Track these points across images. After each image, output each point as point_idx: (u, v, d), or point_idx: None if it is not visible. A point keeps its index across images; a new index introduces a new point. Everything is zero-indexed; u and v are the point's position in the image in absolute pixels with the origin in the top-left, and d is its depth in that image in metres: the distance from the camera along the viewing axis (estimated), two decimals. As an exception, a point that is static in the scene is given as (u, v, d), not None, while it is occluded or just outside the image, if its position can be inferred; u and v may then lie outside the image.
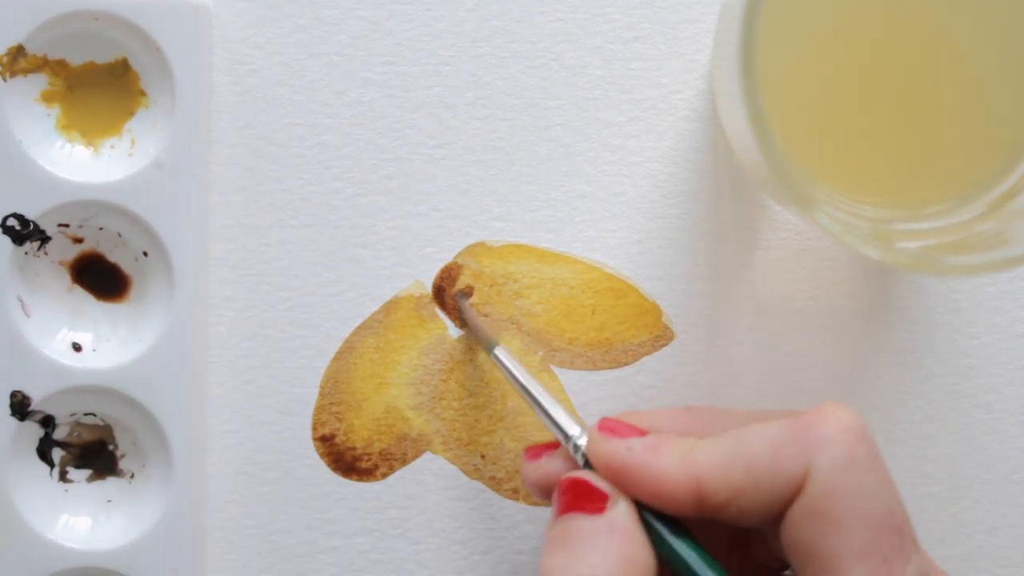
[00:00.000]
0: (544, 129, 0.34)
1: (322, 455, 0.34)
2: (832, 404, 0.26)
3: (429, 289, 0.34)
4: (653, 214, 0.34)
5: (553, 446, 0.30)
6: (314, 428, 0.34)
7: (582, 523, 0.26)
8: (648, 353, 0.35)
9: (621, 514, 0.26)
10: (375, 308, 0.34)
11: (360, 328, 0.34)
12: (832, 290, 0.35)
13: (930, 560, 0.27)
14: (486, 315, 0.34)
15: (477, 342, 0.33)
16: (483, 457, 0.35)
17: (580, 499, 0.27)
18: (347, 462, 0.34)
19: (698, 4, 0.34)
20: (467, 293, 0.33)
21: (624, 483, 0.27)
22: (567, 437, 0.29)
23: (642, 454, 0.27)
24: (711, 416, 0.29)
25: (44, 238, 0.33)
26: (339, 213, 0.34)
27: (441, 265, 0.34)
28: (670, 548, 0.26)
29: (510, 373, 0.31)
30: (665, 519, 0.27)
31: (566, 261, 0.35)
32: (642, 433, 0.28)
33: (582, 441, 0.29)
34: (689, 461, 0.26)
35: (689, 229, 0.34)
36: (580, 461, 0.29)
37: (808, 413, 0.26)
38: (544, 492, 0.30)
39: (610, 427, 0.28)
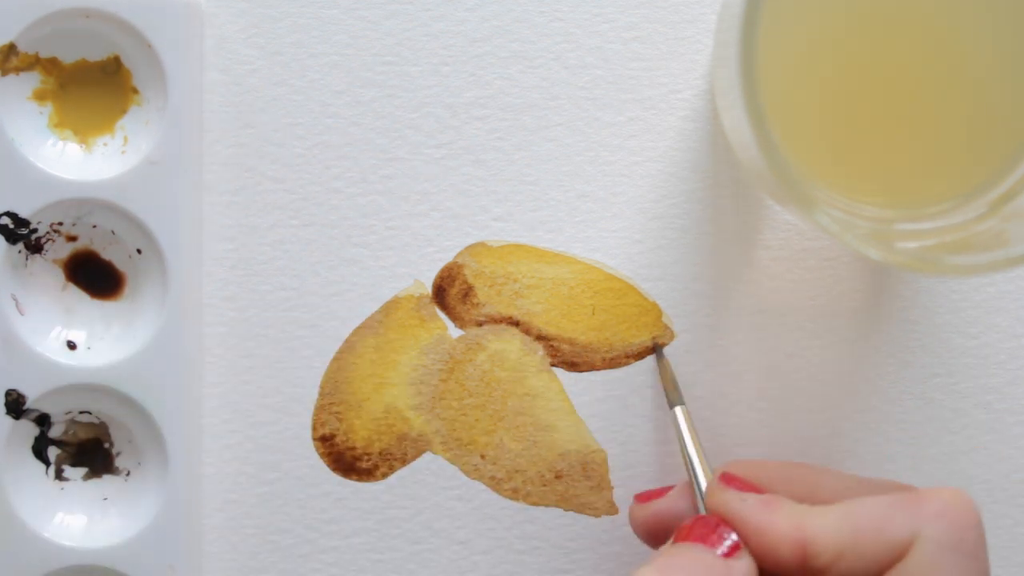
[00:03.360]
0: (544, 129, 0.34)
1: (322, 455, 0.34)
2: (953, 488, 0.27)
3: (429, 289, 0.34)
4: (653, 214, 0.35)
5: (661, 492, 0.31)
6: (314, 428, 0.34)
7: (705, 556, 0.27)
8: (648, 353, 0.35)
9: (743, 566, 0.27)
10: (375, 308, 0.34)
11: (360, 328, 0.34)
12: (832, 290, 0.35)
13: None
14: (487, 315, 0.34)
15: (666, 395, 0.34)
16: (483, 457, 0.34)
17: (710, 534, 0.28)
18: (347, 462, 0.34)
19: (698, 4, 0.34)
20: (661, 344, 0.34)
21: (736, 530, 0.28)
22: (700, 488, 0.30)
23: (755, 507, 0.28)
24: (821, 476, 0.30)
25: (38, 236, 0.33)
26: (339, 213, 0.34)
27: (441, 265, 0.34)
28: None
29: (680, 435, 0.32)
30: None
31: (566, 261, 0.35)
32: (759, 491, 0.28)
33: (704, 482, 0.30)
34: (800, 521, 0.27)
35: (689, 229, 0.35)
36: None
37: (926, 488, 0.27)
38: (650, 534, 0.31)
39: (729, 479, 0.29)
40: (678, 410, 0.32)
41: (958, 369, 0.35)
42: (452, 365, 0.34)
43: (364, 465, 0.34)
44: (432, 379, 0.34)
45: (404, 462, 0.34)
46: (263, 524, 0.34)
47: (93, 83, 0.33)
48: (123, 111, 0.33)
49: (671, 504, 0.31)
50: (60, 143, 0.33)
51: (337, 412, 0.34)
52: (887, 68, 0.30)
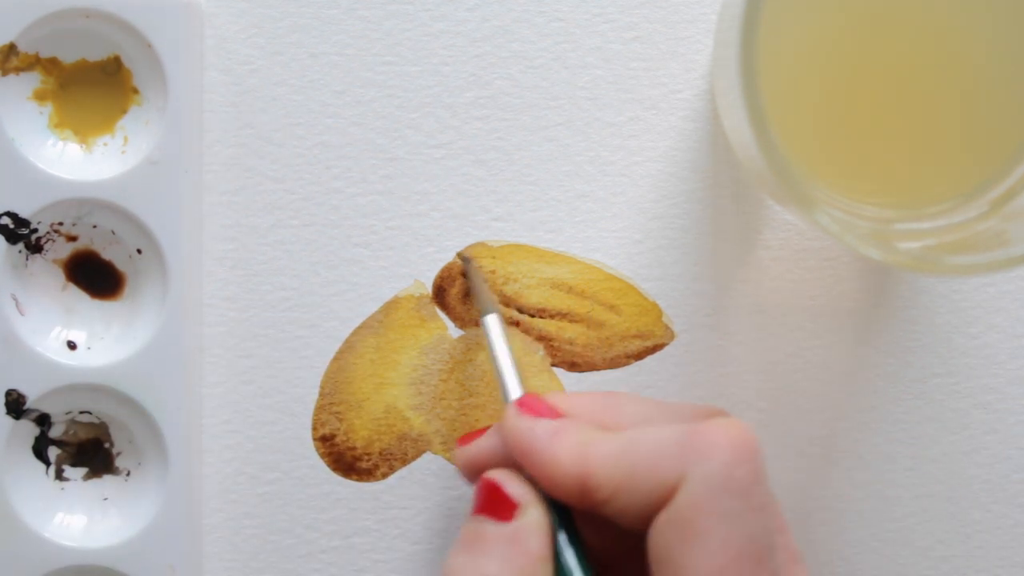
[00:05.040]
0: (544, 129, 0.34)
1: (322, 455, 0.34)
2: (727, 418, 0.26)
3: (429, 289, 0.34)
4: (653, 214, 0.35)
5: (480, 432, 0.30)
6: (314, 428, 0.34)
7: (488, 528, 0.26)
8: (648, 353, 0.35)
9: (526, 525, 0.26)
10: (375, 308, 0.34)
11: (360, 328, 0.34)
12: (832, 290, 0.35)
13: None
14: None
15: (479, 303, 0.33)
16: (483, 457, 0.34)
17: (492, 502, 0.27)
18: (347, 462, 0.34)
19: (698, 4, 0.34)
20: (470, 257, 0.33)
21: (522, 463, 0.27)
22: (508, 401, 0.29)
23: (542, 437, 0.26)
24: (632, 405, 0.28)
25: (38, 236, 0.33)
26: (339, 213, 0.34)
27: (441, 265, 0.34)
28: (558, 557, 0.26)
29: (489, 341, 0.31)
30: (567, 527, 0.27)
31: (566, 261, 0.35)
32: (555, 415, 0.27)
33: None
34: (583, 452, 0.26)
35: (689, 229, 0.35)
36: None
37: (702, 422, 0.25)
38: (473, 477, 0.29)
39: (528, 404, 0.28)
40: (491, 318, 0.31)
41: (958, 369, 0.35)
42: (452, 365, 0.34)
43: (364, 465, 0.34)
44: (432, 379, 0.34)
45: (404, 462, 0.34)
46: (263, 524, 0.34)
47: (93, 83, 0.33)
48: (123, 111, 0.33)
49: (489, 443, 0.29)
50: (60, 143, 0.33)
51: (337, 412, 0.34)
52: (887, 68, 0.30)
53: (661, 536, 0.24)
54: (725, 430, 0.25)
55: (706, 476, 0.24)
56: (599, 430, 0.27)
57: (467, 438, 0.30)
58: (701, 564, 0.24)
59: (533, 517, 0.26)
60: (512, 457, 0.27)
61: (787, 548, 0.26)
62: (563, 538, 0.26)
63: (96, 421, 0.34)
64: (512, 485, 0.27)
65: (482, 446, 0.29)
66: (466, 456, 0.29)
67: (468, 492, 0.34)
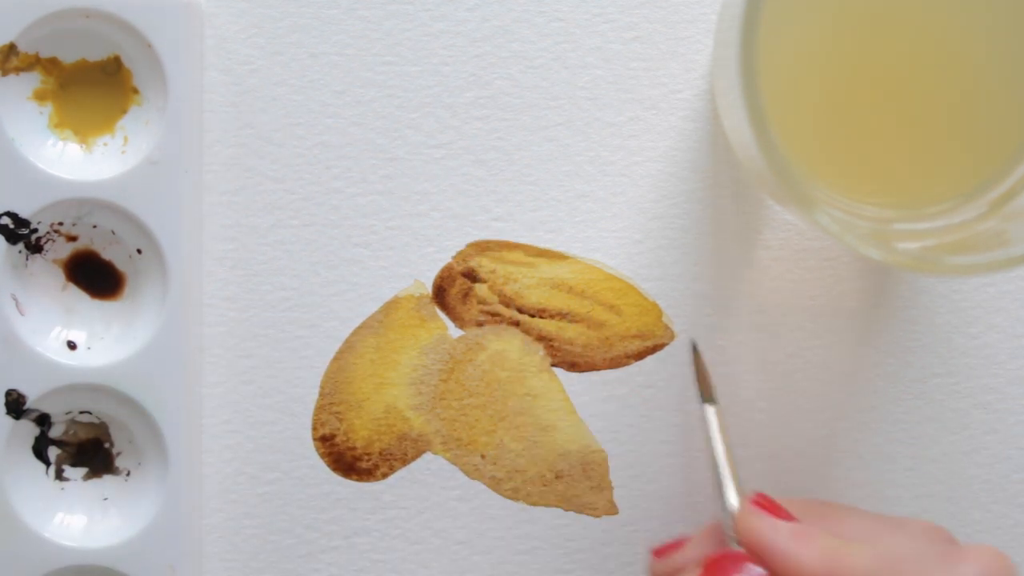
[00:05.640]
0: (544, 129, 0.34)
1: (322, 455, 0.34)
2: (992, 548, 0.26)
3: (429, 289, 0.34)
4: (653, 214, 0.35)
5: (678, 544, 0.30)
6: (314, 428, 0.34)
7: None
8: (648, 353, 0.35)
9: None
10: (375, 308, 0.34)
11: (360, 328, 0.34)
12: (832, 290, 0.35)
13: None
14: (487, 314, 0.34)
15: (698, 391, 0.33)
16: (483, 457, 0.34)
17: (728, 569, 0.27)
18: (347, 462, 0.34)
19: (698, 4, 0.34)
20: (696, 345, 0.34)
21: (766, 563, 0.26)
22: (725, 508, 0.29)
23: (787, 537, 0.26)
24: (855, 517, 0.29)
25: (38, 236, 0.33)
26: (339, 213, 0.34)
27: (441, 265, 0.34)
28: None
29: (708, 434, 0.31)
30: None
31: (566, 261, 0.35)
32: (791, 519, 0.27)
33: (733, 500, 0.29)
34: (833, 557, 0.26)
35: (689, 229, 0.35)
36: (730, 533, 0.29)
37: (967, 544, 0.26)
38: None
39: (763, 504, 0.28)
40: (709, 409, 0.31)
41: (958, 369, 0.35)
42: (452, 365, 0.34)
43: (364, 465, 0.34)
44: (432, 379, 0.34)
45: (404, 462, 0.34)
46: (263, 524, 0.34)
47: (93, 83, 0.33)
48: (123, 111, 0.33)
49: (692, 555, 0.29)
50: (60, 143, 0.33)
51: (337, 412, 0.34)
52: (887, 68, 0.30)
53: None
54: (992, 556, 0.25)
55: None
56: (842, 539, 0.27)
57: (664, 551, 0.30)
58: None
59: None
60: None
61: None
62: None
63: (96, 421, 0.34)
64: (759, 570, 0.27)
65: (687, 557, 0.29)
66: (669, 568, 0.29)
67: (468, 492, 0.34)
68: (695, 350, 0.34)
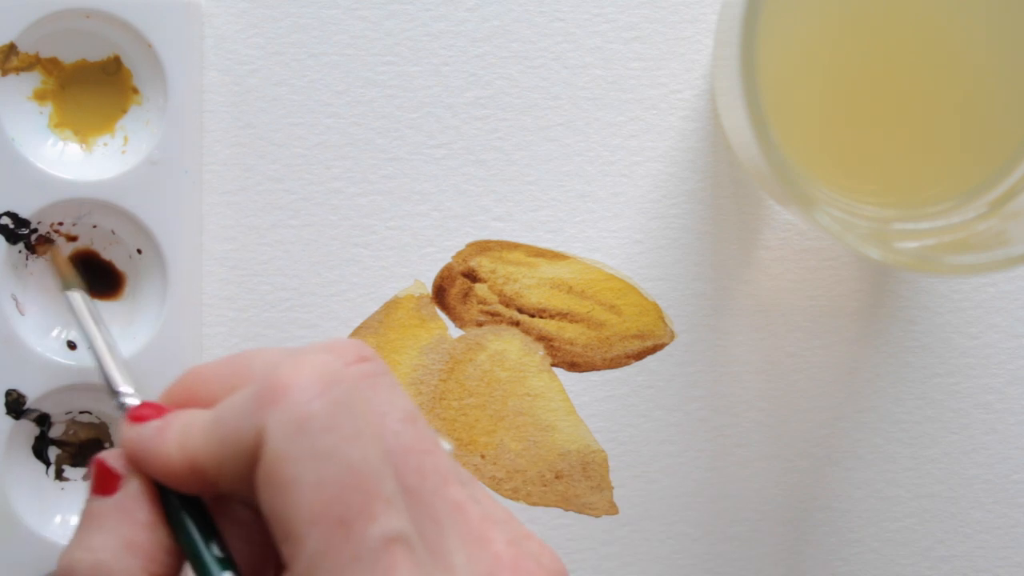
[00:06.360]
0: (544, 129, 0.34)
1: (322, 455, 0.34)
2: (313, 353, 0.23)
3: (429, 289, 0.34)
4: (653, 214, 0.35)
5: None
6: (314, 428, 0.34)
7: (95, 504, 0.25)
8: (648, 353, 0.35)
9: (129, 495, 0.25)
10: (375, 308, 0.34)
11: (360, 328, 0.34)
12: (832, 290, 0.35)
13: (462, 503, 0.24)
14: (487, 314, 0.34)
15: (61, 280, 0.31)
16: (483, 457, 0.34)
17: (100, 480, 0.25)
18: (347, 462, 0.34)
19: (698, 4, 0.34)
20: (50, 239, 0.32)
21: (143, 471, 0.25)
22: (115, 393, 0.28)
23: (150, 439, 0.25)
24: (262, 357, 0.26)
25: (38, 236, 0.33)
26: (339, 213, 0.34)
27: (441, 265, 0.34)
28: (177, 529, 0.25)
29: (78, 319, 0.29)
30: (186, 500, 0.25)
31: (566, 261, 0.35)
32: (161, 413, 0.26)
33: (128, 400, 0.28)
34: (185, 439, 0.24)
35: (689, 229, 0.35)
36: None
37: (280, 365, 0.23)
38: None
39: (137, 415, 0.26)
40: (75, 295, 0.29)
41: (958, 369, 0.35)
42: (452, 365, 0.34)
43: (364, 465, 0.34)
44: (432, 379, 0.34)
45: (404, 462, 0.34)
46: (263, 524, 0.34)
47: (93, 83, 0.33)
48: (123, 111, 0.33)
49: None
50: (60, 143, 0.33)
51: (337, 412, 0.34)
52: (887, 68, 0.30)
53: (262, 497, 0.22)
54: (300, 368, 0.23)
55: (281, 422, 0.22)
56: (202, 411, 0.25)
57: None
58: (299, 511, 0.22)
59: (135, 485, 0.25)
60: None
61: (436, 470, 0.24)
62: (188, 519, 0.25)
63: (96, 421, 0.34)
64: (115, 459, 0.25)
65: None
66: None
67: (468, 492, 0.34)
68: (53, 245, 0.32)
